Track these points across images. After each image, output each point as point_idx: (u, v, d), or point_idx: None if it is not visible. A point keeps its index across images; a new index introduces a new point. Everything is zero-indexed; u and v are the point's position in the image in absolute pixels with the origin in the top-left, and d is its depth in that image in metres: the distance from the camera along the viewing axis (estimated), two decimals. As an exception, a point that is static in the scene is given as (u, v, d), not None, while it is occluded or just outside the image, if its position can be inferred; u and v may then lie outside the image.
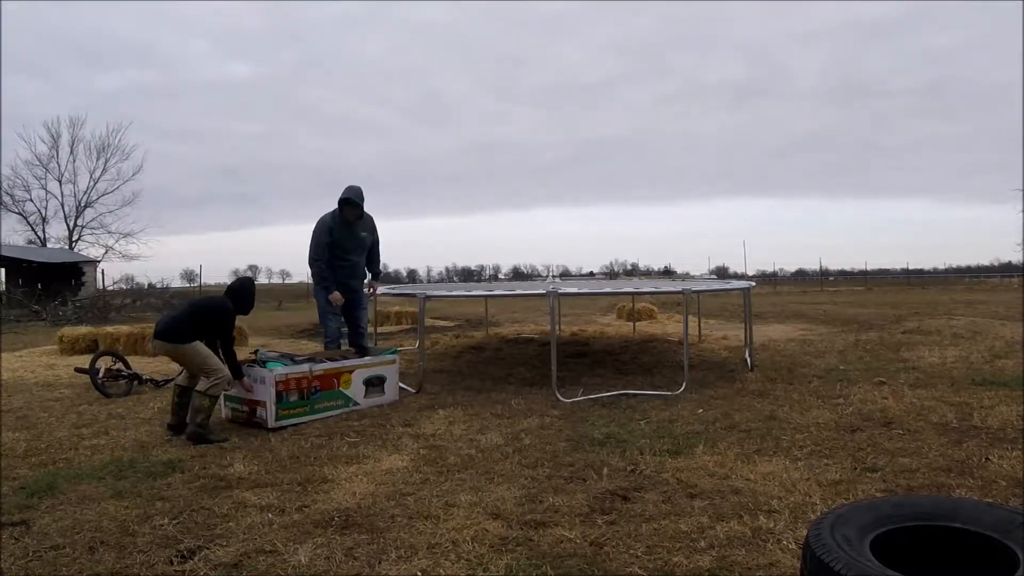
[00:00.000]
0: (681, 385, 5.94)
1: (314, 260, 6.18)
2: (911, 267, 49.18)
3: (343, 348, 6.15)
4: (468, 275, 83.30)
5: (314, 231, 6.20)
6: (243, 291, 5.19)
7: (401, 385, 5.96)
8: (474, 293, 7.65)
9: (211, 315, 4.93)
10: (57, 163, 37.69)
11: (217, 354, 4.84)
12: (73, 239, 37.72)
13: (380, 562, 2.62)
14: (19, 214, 36.98)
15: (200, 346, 4.80)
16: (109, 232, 37.93)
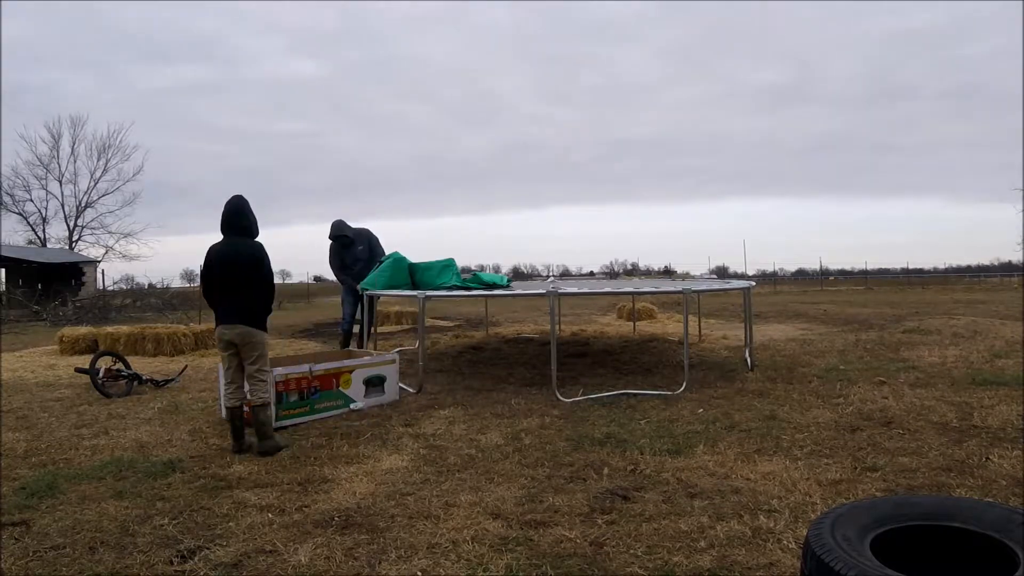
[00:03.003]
0: (681, 385, 5.94)
1: (335, 272, 8.55)
2: (911, 267, 49.14)
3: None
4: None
5: (329, 255, 8.51)
6: (244, 215, 4.45)
7: (401, 385, 5.96)
8: (474, 293, 7.63)
9: (259, 266, 4.42)
10: (58, 163, 37.76)
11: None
12: (73, 239, 37.76)
13: (380, 562, 2.62)
14: (19, 214, 37.06)
15: (267, 338, 4.47)
16: (109, 232, 38.02)
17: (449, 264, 7.45)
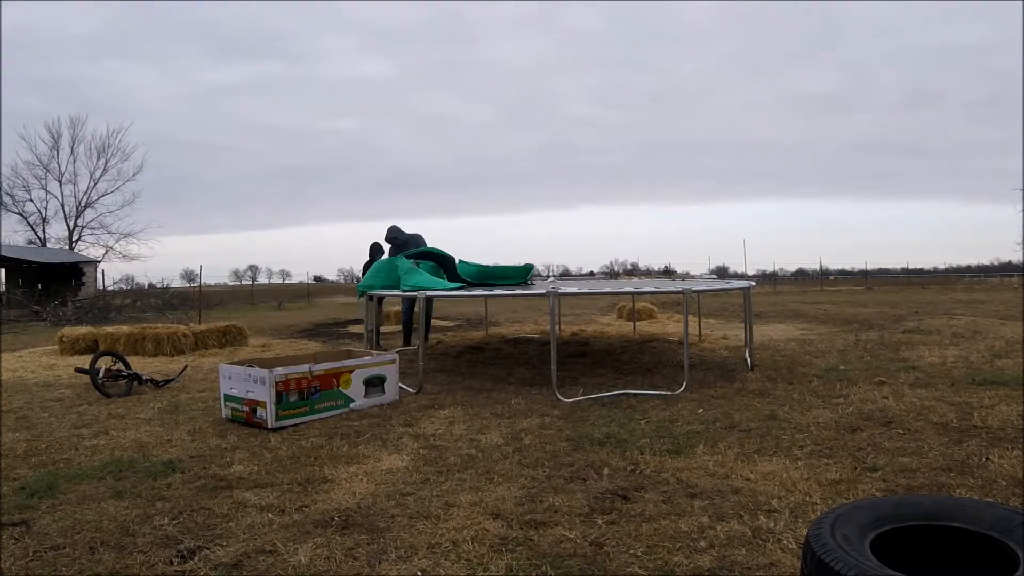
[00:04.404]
0: (681, 385, 5.94)
1: None
2: (911, 267, 49.17)
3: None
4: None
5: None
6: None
7: (401, 385, 5.96)
8: (474, 293, 7.63)
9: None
10: (57, 163, 37.81)
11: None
12: (73, 239, 37.78)
13: (380, 562, 2.62)
14: (19, 214, 37.12)
15: None
16: (109, 232, 38.06)
17: (398, 265, 7.45)
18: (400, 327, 10.30)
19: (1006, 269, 48.77)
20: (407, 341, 9.68)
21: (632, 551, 2.66)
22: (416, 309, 9.04)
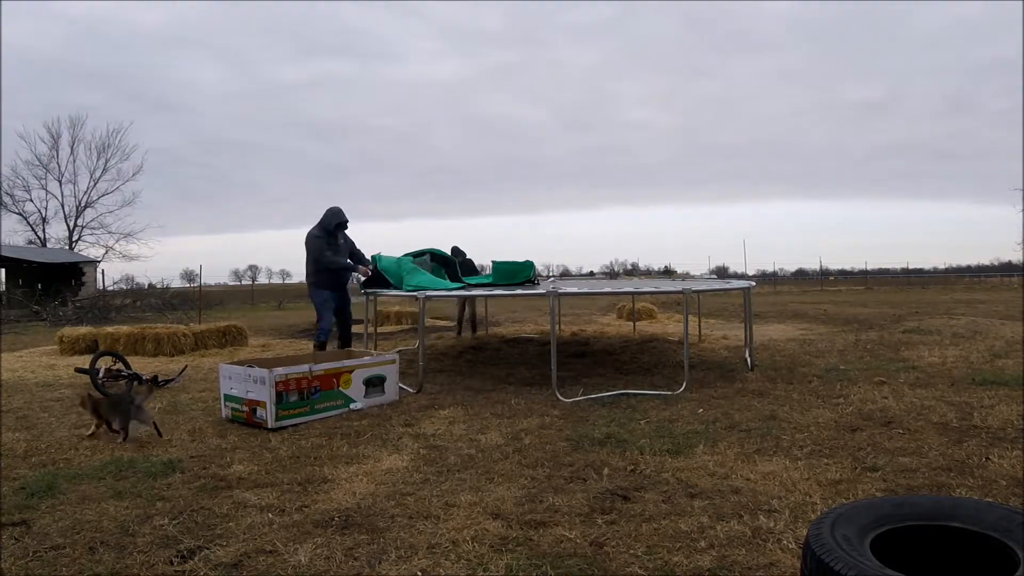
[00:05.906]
0: (681, 385, 5.93)
1: (329, 263, 7.32)
2: (911, 267, 49.18)
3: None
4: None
5: (314, 244, 7.38)
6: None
7: (401, 385, 5.96)
8: (474, 293, 7.64)
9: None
10: (57, 163, 37.80)
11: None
12: (73, 239, 37.78)
13: (380, 562, 2.62)
14: (19, 214, 37.10)
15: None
16: (109, 232, 38.07)
17: (400, 265, 7.50)
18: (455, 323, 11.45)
19: (1006, 269, 48.77)
20: (459, 332, 10.91)
21: (632, 551, 2.66)
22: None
